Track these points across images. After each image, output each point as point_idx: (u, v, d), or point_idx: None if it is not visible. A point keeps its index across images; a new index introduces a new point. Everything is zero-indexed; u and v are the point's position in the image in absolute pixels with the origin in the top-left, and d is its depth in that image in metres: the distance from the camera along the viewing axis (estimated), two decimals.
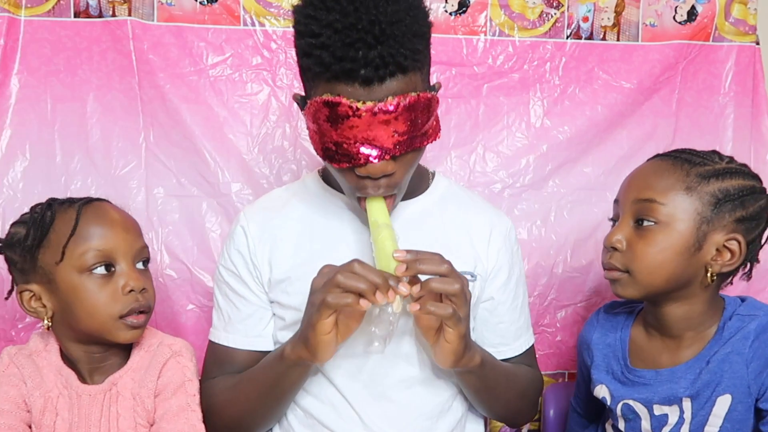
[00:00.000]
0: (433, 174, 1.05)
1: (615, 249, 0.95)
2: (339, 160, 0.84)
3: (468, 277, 0.95)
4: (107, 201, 0.96)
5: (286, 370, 0.90)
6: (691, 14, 1.40)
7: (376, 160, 0.82)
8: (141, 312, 0.90)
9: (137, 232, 0.94)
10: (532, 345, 1.09)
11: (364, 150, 0.82)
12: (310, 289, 0.84)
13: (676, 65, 1.40)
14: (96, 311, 0.87)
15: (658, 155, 1.00)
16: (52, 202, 0.92)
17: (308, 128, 0.88)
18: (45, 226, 0.88)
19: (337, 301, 0.79)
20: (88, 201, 0.93)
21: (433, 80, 1.01)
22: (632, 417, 0.98)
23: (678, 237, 0.91)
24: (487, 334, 1.04)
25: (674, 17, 1.40)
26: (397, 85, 0.79)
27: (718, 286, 0.96)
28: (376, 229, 0.85)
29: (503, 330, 1.04)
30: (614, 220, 1.01)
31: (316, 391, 0.96)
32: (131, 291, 0.89)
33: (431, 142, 0.88)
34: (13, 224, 0.93)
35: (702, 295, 0.95)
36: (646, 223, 0.93)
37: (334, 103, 0.79)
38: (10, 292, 0.93)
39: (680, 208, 0.91)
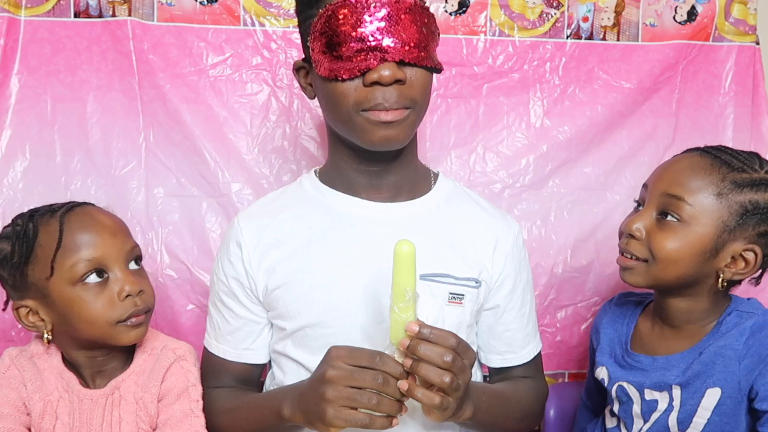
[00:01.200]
0: (436, 175, 1.03)
1: (633, 237, 0.95)
2: (350, 69, 0.83)
3: (471, 283, 0.94)
4: (90, 204, 0.93)
5: (284, 426, 0.88)
6: (691, 14, 1.40)
7: (386, 60, 0.83)
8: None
9: (125, 233, 0.92)
10: (540, 352, 1.06)
11: (375, 51, 0.83)
12: (322, 377, 0.77)
13: (676, 65, 1.40)
14: (95, 320, 0.86)
15: (698, 148, 0.97)
16: (33, 213, 0.89)
17: (314, 62, 0.87)
18: (29, 240, 0.86)
19: (374, 425, 0.76)
20: (70, 208, 0.90)
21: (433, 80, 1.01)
22: (625, 400, 1.00)
23: (696, 239, 0.91)
24: (493, 342, 1.02)
25: (674, 17, 1.40)
26: None
27: (726, 290, 0.96)
28: (400, 296, 0.77)
29: (510, 338, 1.02)
30: (639, 203, 1.00)
31: None
32: (128, 296, 0.87)
33: (438, 68, 0.89)
34: None
35: (708, 296, 0.95)
36: (669, 218, 0.92)
37: (337, 5, 0.82)
38: (6, 303, 0.92)
39: (706, 213, 0.90)
